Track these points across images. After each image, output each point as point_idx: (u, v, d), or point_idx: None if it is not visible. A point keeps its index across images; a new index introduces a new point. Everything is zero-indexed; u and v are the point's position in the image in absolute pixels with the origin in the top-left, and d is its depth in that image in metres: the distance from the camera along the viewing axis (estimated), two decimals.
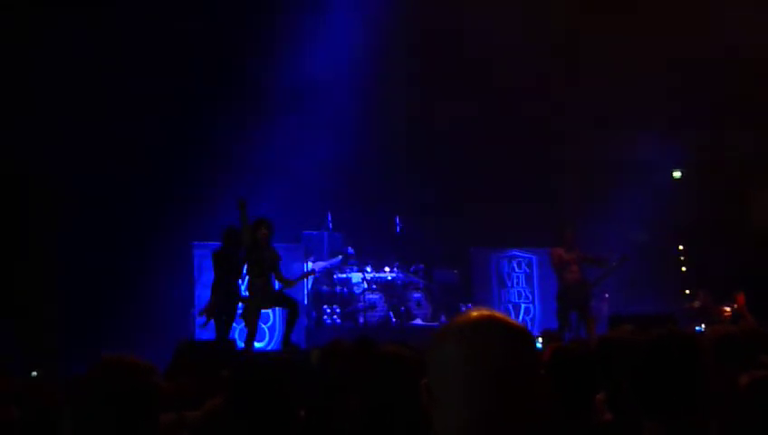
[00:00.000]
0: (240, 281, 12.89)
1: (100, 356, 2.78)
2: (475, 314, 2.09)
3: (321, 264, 15.79)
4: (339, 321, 15.58)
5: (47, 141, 13.72)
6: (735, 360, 4.34)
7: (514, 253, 18.13)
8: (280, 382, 3.02)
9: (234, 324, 12.92)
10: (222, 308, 12.67)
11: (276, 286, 12.66)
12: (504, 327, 2.05)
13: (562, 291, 14.66)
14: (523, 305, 17.98)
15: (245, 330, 12.90)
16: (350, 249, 16.17)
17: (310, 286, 15.56)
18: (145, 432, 2.71)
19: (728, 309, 15.86)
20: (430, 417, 2.06)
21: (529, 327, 17.14)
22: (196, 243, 15.21)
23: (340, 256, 16.06)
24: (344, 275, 15.94)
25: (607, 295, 17.16)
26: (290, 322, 12.61)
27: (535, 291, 18.06)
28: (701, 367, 3.05)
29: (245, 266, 12.57)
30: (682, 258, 19.27)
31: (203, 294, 15.12)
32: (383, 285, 15.99)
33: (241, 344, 12.92)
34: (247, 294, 12.65)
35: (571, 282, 14.54)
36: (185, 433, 4.53)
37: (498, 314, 2.10)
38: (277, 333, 14.87)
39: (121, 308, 14.09)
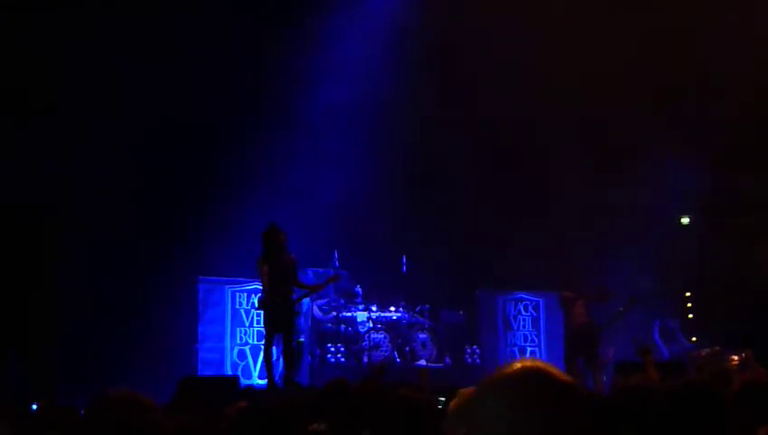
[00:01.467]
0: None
1: (103, 392, 2.69)
2: (519, 366, 2.00)
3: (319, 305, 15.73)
4: (343, 360, 15.44)
5: (55, 171, 13.69)
6: (758, 409, 4.25)
7: (521, 295, 18.00)
8: (290, 422, 2.93)
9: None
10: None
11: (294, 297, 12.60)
12: (552, 382, 1.96)
13: (570, 334, 14.61)
14: (528, 349, 17.83)
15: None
16: (359, 288, 16.06)
17: (311, 323, 15.46)
18: None
19: (736, 358, 15.73)
20: None
21: None
22: (201, 277, 15.13)
23: (342, 300, 15.94)
24: (349, 314, 15.83)
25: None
26: (288, 358, 12.50)
27: (541, 334, 17.91)
28: (728, 418, 2.96)
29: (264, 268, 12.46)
30: (689, 305, 19.15)
31: (206, 330, 15.07)
32: (388, 325, 15.87)
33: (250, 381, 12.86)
34: (263, 310, 12.58)
35: (580, 325, 14.49)
36: None
37: (544, 365, 2.00)
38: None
39: (125, 341, 14.01)
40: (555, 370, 2.00)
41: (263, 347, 12.99)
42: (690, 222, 19.61)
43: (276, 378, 12.77)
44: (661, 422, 3.01)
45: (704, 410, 2.95)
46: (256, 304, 13.15)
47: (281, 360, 12.97)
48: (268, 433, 2.96)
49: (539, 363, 2.01)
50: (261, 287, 12.66)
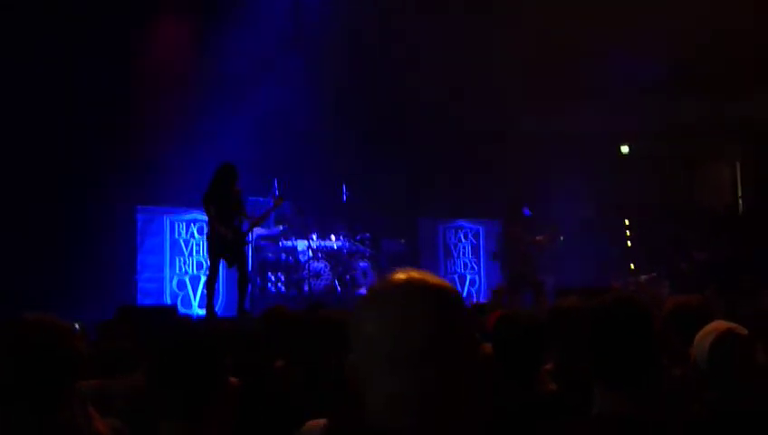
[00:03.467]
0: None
1: (15, 315, 2.61)
2: (399, 276, 1.90)
3: (262, 231, 15.66)
4: (283, 289, 15.43)
5: None
6: (690, 328, 4.29)
7: (462, 223, 18.10)
8: (206, 351, 2.86)
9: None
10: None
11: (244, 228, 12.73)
12: (432, 291, 1.87)
13: (513, 268, 14.79)
14: (468, 276, 17.97)
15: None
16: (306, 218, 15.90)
17: (252, 253, 15.39)
18: (61, 397, 2.54)
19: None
20: (358, 395, 1.88)
21: (474, 298, 17.30)
22: (139, 207, 14.97)
23: (281, 227, 15.86)
24: (290, 243, 15.77)
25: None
26: (242, 288, 12.56)
27: (481, 262, 18.05)
28: (655, 332, 2.96)
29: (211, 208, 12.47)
30: (627, 233, 19.39)
31: (145, 260, 14.95)
32: (329, 254, 15.85)
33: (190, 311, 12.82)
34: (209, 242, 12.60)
35: (522, 258, 14.66)
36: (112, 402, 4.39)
37: (425, 274, 1.91)
38: (221, 298, 14.69)
39: (62, 272, 13.79)
40: (433, 277, 1.91)
41: (206, 276, 12.98)
42: (629, 151, 19.77)
43: (216, 308, 12.82)
44: (592, 338, 3.00)
45: (628, 325, 2.94)
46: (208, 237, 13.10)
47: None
48: (199, 362, 2.89)
49: (415, 273, 1.91)
50: (208, 223, 12.68)
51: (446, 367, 1.81)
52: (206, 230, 13.00)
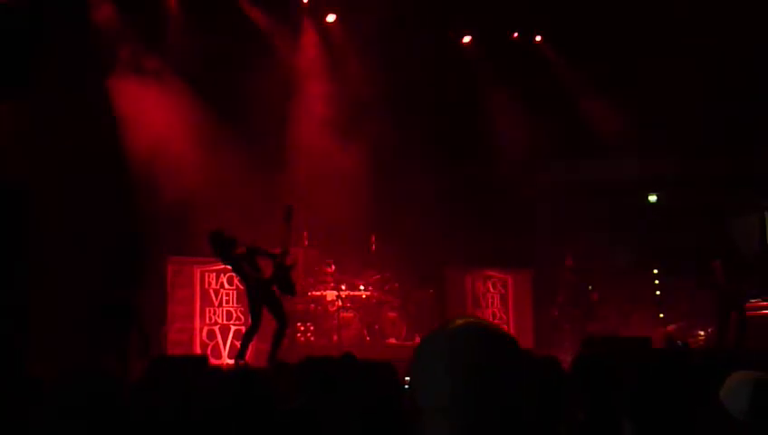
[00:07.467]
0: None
1: (70, 366, 2.67)
2: (458, 321, 2.03)
3: None
4: (312, 338, 15.45)
5: (29, 151, 13.50)
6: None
7: (490, 273, 18.03)
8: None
9: None
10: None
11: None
12: (485, 331, 1.99)
13: None
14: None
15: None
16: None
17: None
18: None
19: (702, 333, 15.93)
20: (412, 426, 1.99)
21: None
22: (170, 257, 15.05)
23: None
24: (318, 293, 15.80)
25: None
26: (278, 337, 12.61)
27: (510, 312, 17.96)
28: (694, 386, 3.01)
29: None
30: (656, 282, 19.31)
31: (175, 310, 14.98)
32: (358, 304, 15.86)
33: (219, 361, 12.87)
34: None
35: None
36: None
37: (480, 319, 2.04)
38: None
39: (92, 322, 13.84)
40: (490, 322, 2.04)
41: (249, 326, 12.99)
42: (657, 200, 19.79)
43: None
44: (639, 392, 3.05)
45: (677, 379, 2.98)
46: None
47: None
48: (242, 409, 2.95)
49: (479, 319, 2.04)
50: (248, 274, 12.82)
51: (503, 399, 1.92)
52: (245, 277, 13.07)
